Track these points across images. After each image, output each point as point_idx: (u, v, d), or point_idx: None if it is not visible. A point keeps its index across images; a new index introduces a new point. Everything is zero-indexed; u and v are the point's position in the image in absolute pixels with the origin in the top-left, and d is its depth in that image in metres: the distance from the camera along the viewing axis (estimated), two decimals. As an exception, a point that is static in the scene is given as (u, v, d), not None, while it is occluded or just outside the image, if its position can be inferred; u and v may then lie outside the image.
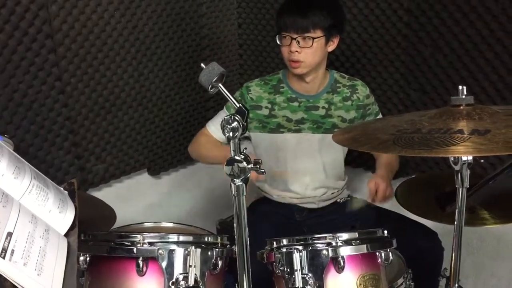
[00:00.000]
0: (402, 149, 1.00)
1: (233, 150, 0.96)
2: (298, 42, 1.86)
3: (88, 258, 1.23)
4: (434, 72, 2.28)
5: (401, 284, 1.59)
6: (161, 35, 2.48)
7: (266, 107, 2.03)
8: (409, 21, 2.28)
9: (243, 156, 0.96)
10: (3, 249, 0.85)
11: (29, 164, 1.16)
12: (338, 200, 2.13)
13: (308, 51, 1.87)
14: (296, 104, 2.02)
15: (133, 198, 2.57)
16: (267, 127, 2.06)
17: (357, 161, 2.21)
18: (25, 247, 0.91)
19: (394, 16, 2.31)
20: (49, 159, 2.18)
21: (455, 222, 1.19)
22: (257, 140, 2.13)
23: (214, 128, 2.10)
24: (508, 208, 1.49)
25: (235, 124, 0.94)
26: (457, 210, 1.18)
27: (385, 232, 1.42)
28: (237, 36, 2.89)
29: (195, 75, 2.67)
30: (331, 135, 1.99)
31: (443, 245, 1.84)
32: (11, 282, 0.83)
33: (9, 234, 0.89)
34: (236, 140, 0.96)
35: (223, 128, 0.96)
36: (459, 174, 1.10)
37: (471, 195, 1.31)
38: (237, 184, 0.97)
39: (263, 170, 1.00)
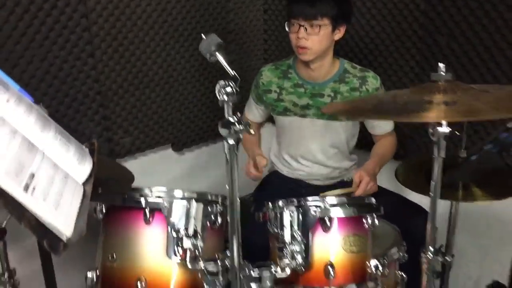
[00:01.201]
0: (375, 115, 1.10)
1: (227, 113, 1.09)
2: (306, 29, 1.95)
3: (104, 209, 1.40)
4: (448, 60, 2.33)
5: (395, 254, 1.69)
6: (188, 18, 2.62)
7: (275, 91, 2.16)
8: (426, 9, 2.34)
9: (236, 119, 1.09)
10: (26, 184, 1.00)
11: (55, 123, 1.32)
12: (345, 179, 2.23)
13: (315, 38, 1.96)
14: (302, 90, 2.13)
15: (156, 172, 2.73)
16: (275, 110, 2.19)
17: (363, 142, 2.31)
18: (45, 187, 1.06)
19: (412, 3, 2.37)
20: (80, 129, 2.35)
21: (430, 194, 1.27)
22: (275, 119, 2.27)
23: (246, 112, 2.35)
24: (498, 185, 1.58)
25: (229, 89, 1.07)
26: (432, 181, 1.26)
27: (373, 199, 1.53)
28: (263, 21, 3.00)
29: (220, 57, 2.81)
30: (335, 122, 2.11)
31: (446, 221, 1.91)
32: (31, 214, 0.99)
33: (32, 175, 1.04)
34: (230, 103, 1.08)
35: (218, 92, 1.09)
36: (435, 145, 1.19)
37: (455, 169, 1.40)
38: (230, 143, 1.10)
39: (252, 132, 1.12)
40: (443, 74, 1.18)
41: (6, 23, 2.01)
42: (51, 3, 2.13)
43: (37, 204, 1.00)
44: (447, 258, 1.85)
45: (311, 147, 2.17)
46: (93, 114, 2.39)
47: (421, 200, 1.93)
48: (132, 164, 2.60)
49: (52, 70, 2.20)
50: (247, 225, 1.65)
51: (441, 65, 1.19)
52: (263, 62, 3.08)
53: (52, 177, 1.11)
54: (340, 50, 2.39)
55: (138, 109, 2.57)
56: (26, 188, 1.00)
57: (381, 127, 2.20)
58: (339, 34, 2.04)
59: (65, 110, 2.29)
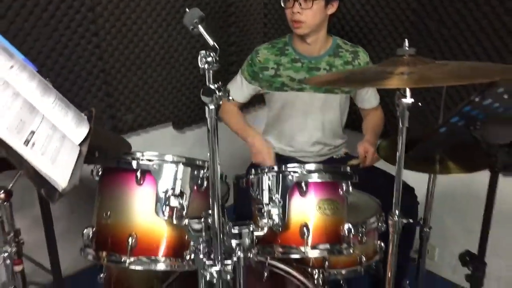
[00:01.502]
0: (347, 83, 1.21)
1: (208, 81, 1.20)
2: (300, 4, 2.06)
3: (100, 171, 1.53)
4: (438, 44, 2.42)
5: (373, 222, 1.81)
6: (190, 1, 2.72)
7: (272, 68, 2.26)
8: (418, -4, 2.43)
9: (217, 86, 1.20)
10: (26, 140, 1.12)
11: (57, 91, 1.44)
12: (334, 157, 2.34)
13: (308, 12, 2.07)
14: (299, 64, 2.23)
15: (158, 149, 2.83)
16: (272, 86, 2.29)
17: (355, 124, 2.42)
18: (43, 144, 1.18)
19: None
20: (84, 105, 2.47)
21: (396, 165, 1.36)
22: (267, 97, 2.37)
23: (235, 92, 2.36)
24: (469, 158, 1.69)
25: (209, 58, 1.18)
26: (397, 152, 1.35)
27: (348, 168, 1.64)
28: (263, 5, 3.10)
29: (221, 40, 2.92)
30: (332, 95, 2.24)
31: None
32: (30, 165, 1.11)
33: (32, 132, 1.16)
34: (211, 71, 1.19)
35: (200, 61, 1.19)
36: (400, 115, 1.29)
37: (429, 142, 1.50)
38: (211, 108, 1.21)
39: (231, 98, 1.23)
40: (407, 49, 1.28)
41: (15, 1, 2.13)
42: (56, 4, 2.24)
43: (36, 157, 1.12)
44: (425, 229, 1.98)
45: (308, 122, 2.29)
46: (96, 91, 2.51)
47: (408, 177, 2.05)
48: (134, 140, 2.70)
49: (58, 47, 2.32)
50: (241, 199, 1.79)
51: (406, 41, 1.29)
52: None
53: (50, 136, 1.23)
54: (336, 34, 2.48)
55: (140, 87, 2.68)
56: (27, 143, 1.12)
57: (370, 101, 2.35)
58: (332, 9, 2.15)
59: (69, 86, 2.41)
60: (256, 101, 2.98)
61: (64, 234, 2.65)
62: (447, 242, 2.69)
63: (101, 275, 1.90)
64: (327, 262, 1.79)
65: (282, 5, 2.13)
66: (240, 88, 2.36)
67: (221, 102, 1.21)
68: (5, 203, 1.76)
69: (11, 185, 1.79)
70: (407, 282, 2.11)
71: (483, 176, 2.27)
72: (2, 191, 1.74)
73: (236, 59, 3.01)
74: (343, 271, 1.81)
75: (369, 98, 2.34)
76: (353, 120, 2.42)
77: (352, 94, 2.33)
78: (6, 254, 1.81)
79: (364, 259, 1.82)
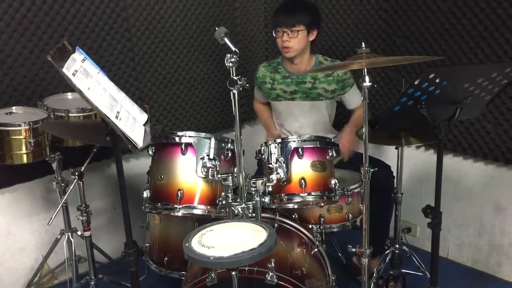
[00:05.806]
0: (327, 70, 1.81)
1: (232, 74, 1.79)
2: (287, 34, 2.66)
3: (154, 148, 2.13)
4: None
5: (356, 187, 2.38)
6: (205, 32, 3.35)
7: (269, 82, 2.89)
8: (386, 17, 3.04)
9: (239, 76, 1.79)
10: (116, 116, 1.71)
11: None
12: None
13: (294, 40, 2.66)
14: (289, 80, 2.85)
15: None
16: (270, 96, 2.92)
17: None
18: (125, 120, 1.78)
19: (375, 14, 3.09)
20: (124, 117, 3.08)
21: (364, 135, 1.92)
22: (271, 104, 2.99)
23: (255, 94, 3.09)
24: (423, 132, 2.28)
25: (232, 59, 1.77)
26: (364, 125, 1.91)
27: (333, 139, 2.22)
28: (263, 25, 3.74)
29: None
30: (318, 101, 2.83)
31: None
32: (121, 131, 1.69)
33: (118, 112, 1.76)
34: (234, 68, 1.79)
35: (226, 61, 1.79)
36: (363, 92, 1.87)
37: (384, 118, 2.09)
38: (235, 92, 1.80)
39: (247, 86, 1.81)
40: (364, 48, 1.88)
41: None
42: (103, 37, 2.88)
43: (122, 126, 1.72)
44: (398, 195, 2.55)
45: (301, 123, 2.88)
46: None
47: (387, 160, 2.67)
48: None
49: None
50: (258, 169, 2.42)
51: (363, 43, 1.90)
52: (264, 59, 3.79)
53: (127, 117, 1.82)
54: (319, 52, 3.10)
55: (167, 102, 3.29)
56: (116, 117, 1.72)
57: (355, 101, 2.89)
58: (312, 36, 2.75)
59: (113, 101, 3.02)
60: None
61: (109, 225, 3.22)
62: (425, 221, 3.22)
63: (146, 244, 2.45)
64: (323, 219, 2.35)
65: (274, 35, 2.73)
66: (257, 93, 3.07)
67: (241, 88, 1.80)
68: (79, 182, 2.34)
69: (82, 168, 2.37)
70: (388, 241, 2.68)
71: (458, 164, 2.88)
72: (77, 173, 2.33)
73: (242, 70, 3.61)
74: (335, 226, 2.37)
75: (351, 100, 2.89)
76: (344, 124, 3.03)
77: (337, 99, 2.90)
78: (78, 219, 2.38)
79: (351, 216, 2.38)
